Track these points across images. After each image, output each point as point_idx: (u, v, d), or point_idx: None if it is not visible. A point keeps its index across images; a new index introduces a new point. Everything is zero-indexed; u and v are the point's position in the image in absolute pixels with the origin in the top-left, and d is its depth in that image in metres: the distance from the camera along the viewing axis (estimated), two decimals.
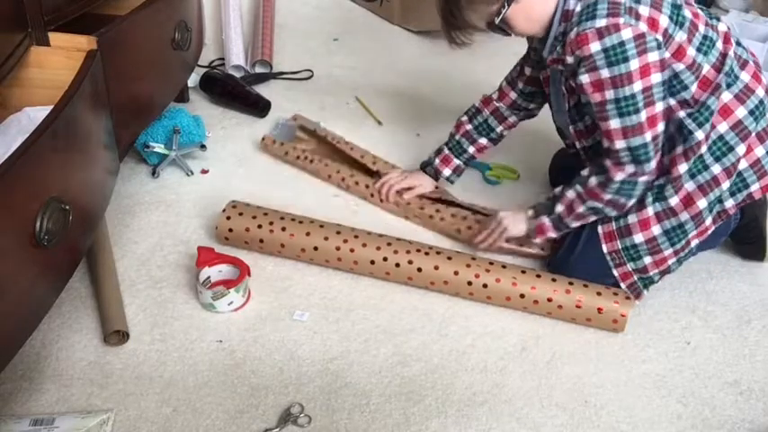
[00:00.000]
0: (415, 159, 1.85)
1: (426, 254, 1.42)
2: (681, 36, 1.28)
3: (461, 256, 1.43)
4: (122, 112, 1.47)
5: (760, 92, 1.35)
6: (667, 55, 1.27)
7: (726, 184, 1.35)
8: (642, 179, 1.33)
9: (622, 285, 1.42)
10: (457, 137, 1.67)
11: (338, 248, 1.44)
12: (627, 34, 1.21)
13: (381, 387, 1.25)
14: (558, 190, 1.45)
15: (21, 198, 0.99)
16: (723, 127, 1.33)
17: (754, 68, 1.36)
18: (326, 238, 1.44)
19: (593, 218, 1.41)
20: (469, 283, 1.40)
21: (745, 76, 1.34)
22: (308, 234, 1.45)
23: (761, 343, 1.41)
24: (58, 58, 1.35)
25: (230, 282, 1.40)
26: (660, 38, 1.24)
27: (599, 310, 1.36)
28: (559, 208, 1.42)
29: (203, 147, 1.79)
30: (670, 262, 1.40)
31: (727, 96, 1.32)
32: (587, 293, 1.37)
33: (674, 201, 1.35)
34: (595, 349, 1.36)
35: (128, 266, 1.47)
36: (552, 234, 1.45)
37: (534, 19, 1.32)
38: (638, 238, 1.38)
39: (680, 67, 1.29)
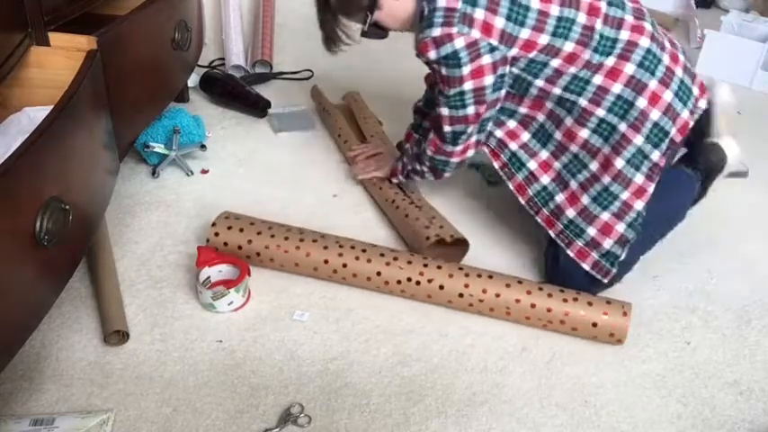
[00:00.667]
0: None
1: (418, 283, 1.39)
2: (525, 32, 1.32)
3: (454, 282, 1.38)
4: (122, 112, 1.47)
5: (644, 42, 1.35)
6: (512, 53, 1.33)
7: (638, 139, 1.35)
8: (453, 159, 1.49)
9: (586, 267, 1.41)
10: (414, 114, 1.80)
11: (330, 277, 1.43)
12: (459, 44, 1.30)
13: (381, 387, 1.25)
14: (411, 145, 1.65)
15: (21, 198, 0.99)
16: (617, 87, 1.34)
17: (631, 22, 1.35)
18: (316, 269, 1.43)
19: (418, 177, 1.60)
20: (463, 309, 1.40)
21: (623, 35, 1.34)
22: (296, 265, 1.44)
23: (761, 343, 1.41)
24: (58, 58, 1.35)
25: (230, 282, 1.40)
26: (495, 41, 1.31)
27: (594, 337, 1.37)
28: (405, 159, 1.63)
29: (203, 147, 1.79)
30: (618, 228, 1.38)
31: (611, 61, 1.34)
32: (583, 322, 1.35)
33: (593, 166, 1.39)
34: (595, 349, 1.36)
35: (128, 266, 1.47)
36: (401, 177, 1.65)
37: (400, 20, 1.43)
38: (571, 213, 1.42)
39: (532, 54, 1.34)
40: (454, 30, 1.29)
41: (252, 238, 1.45)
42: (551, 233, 1.44)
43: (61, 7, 1.38)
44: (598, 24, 1.33)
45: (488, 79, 1.34)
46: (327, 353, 1.31)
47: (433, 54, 1.32)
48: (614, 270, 1.41)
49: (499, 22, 1.31)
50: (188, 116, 1.81)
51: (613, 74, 1.34)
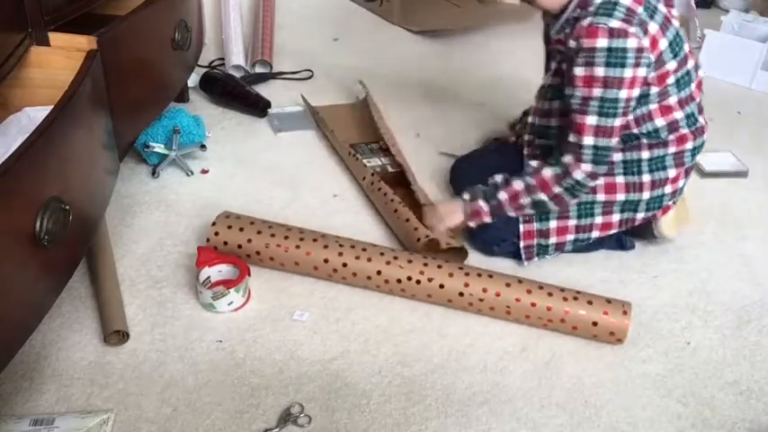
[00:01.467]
0: (415, 159, 1.85)
1: (418, 282, 1.38)
2: (671, 65, 1.37)
3: (454, 281, 1.38)
4: (122, 112, 1.47)
5: (705, 137, 1.50)
6: (653, 75, 1.36)
7: (646, 195, 1.48)
8: (592, 183, 1.42)
9: (521, 244, 1.48)
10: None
11: (330, 276, 1.44)
12: (632, 44, 1.28)
13: (381, 387, 1.25)
14: (499, 178, 1.50)
15: (21, 198, 0.99)
16: (670, 150, 1.45)
17: (704, 116, 1.51)
18: (316, 268, 1.43)
19: (530, 211, 1.47)
20: (463, 309, 1.40)
21: (701, 120, 1.49)
22: (296, 264, 1.44)
23: (761, 343, 1.41)
24: (58, 58, 1.35)
25: (230, 282, 1.40)
26: (653, 57, 1.34)
27: (594, 336, 1.37)
28: (503, 195, 1.46)
29: (203, 147, 1.79)
30: (569, 237, 1.50)
31: (684, 130, 1.45)
32: (583, 321, 1.35)
33: (599, 180, 1.45)
34: (595, 349, 1.36)
35: (128, 266, 1.47)
36: (487, 219, 1.49)
37: None
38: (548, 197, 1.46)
39: (654, 90, 1.39)
40: (631, 29, 1.28)
41: (252, 237, 1.45)
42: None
43: (61, 7, 1.38)
44: (696, 99, 1.46)
45: (637, 92, 1.34)
46: (327, 353, 1.31)
47: (602, 42, 1.27)
48: (536, 259, 1.51)
49: (663, 44, 1.34)
50: (188, 116, 1.81)
51: (681, 141, 1.45)
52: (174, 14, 1.72)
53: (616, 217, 1.50)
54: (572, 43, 1.32)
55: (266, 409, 1.19)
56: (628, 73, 1.29)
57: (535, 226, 1.49)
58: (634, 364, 1.34)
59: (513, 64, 2.46)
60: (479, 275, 1.39)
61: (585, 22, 1.30)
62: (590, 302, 1.36)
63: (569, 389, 1.28)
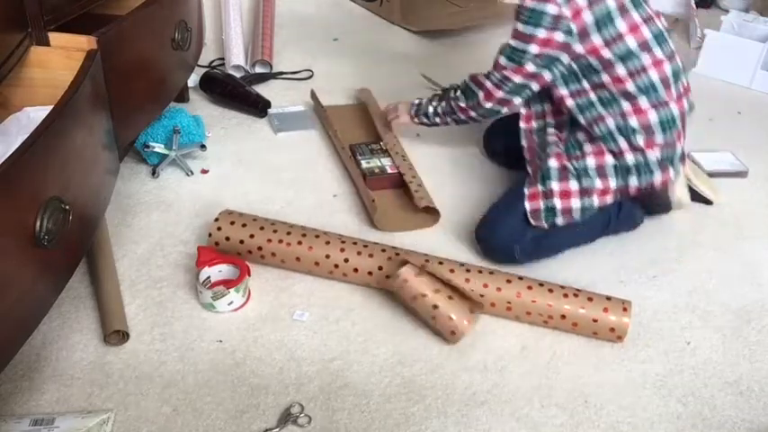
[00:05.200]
0: (415, 160, 1.85)
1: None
2: (597, 39, 1.44)
3: (455, 277, 1.37)
4: (122, 112, 1.47)
5: (674, 109, 1.50)
6: (579, 48, 1.44)
7: (629, 157, 1.50)
8: (489, 104, 1.59)
9: (527, 206, 1.51)
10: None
11: (331, 272, 1.44)
12: (550, 9, 1.41)
13: (381, 387, 1.25)
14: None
15: (21, 198, 0.99)
16: (633, 123, 1.49)
17: (679, 90, 1.53)
18: (317, 264, 1.43)
19: (437, 118, 1.74)
20: None
21: (662, 94, 1.49)
22: (298, 259, 1.44)
23: (761, 343, 1.41)
24: (58, 58, 1.35)
25: (230, 282, 1.40)
26: (574, 27, 1.42)
27: (594, 333, 1.37)
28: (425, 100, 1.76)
29: (203, 147, 1.79)
30: (573, 202, 1.51)
31: (644, 103, 1.47)
32: (584, 318, 1.35)
33: (587, 148, 1.53)
34: (595, 349, 1.36)
35: (128, 266, 1.47)
36: (414, 118, 1.80)
37: None
38: (552, 162, 1.53)
39: (594, 61, 1.46)
40: None
41: (254, 232, 1.45)
42: (528, 158, 1.60)
43: (61, 7, 1.38)
44: (654, 74, 1.47)
45: (552, 53, 1.45)
46: (327, 353, 1.31)
47: (529, 3, 1.43)
48: (545, 224, 1.51)
49: (587, 17, 1.42)
50: (188, 116, 1.81)
51: (639, 112, 1.48)
52: (174, 14, 1.72)
53: (612, 183, 1.52)
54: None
55: (266, 409, 1.19)
56: (540, 33, 1.43)
57: (539, 188, 1.52)
58: (634, 364, 1.34)
59: None
60: (480, 272, 1.39)
61: None
62: (590, 299, 1.36)
63: (569, 389, 1.28)
